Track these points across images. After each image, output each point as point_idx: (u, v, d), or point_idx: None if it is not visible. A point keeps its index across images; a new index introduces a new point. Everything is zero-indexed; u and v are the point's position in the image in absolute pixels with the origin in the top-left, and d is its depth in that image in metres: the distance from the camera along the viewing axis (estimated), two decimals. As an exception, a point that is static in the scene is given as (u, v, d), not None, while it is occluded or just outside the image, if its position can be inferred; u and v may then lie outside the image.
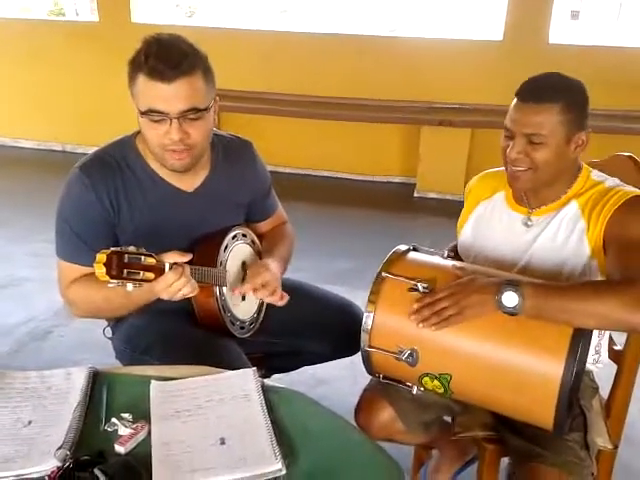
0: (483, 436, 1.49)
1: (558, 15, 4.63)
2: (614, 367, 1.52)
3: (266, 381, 1.28)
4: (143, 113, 1.38)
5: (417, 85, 4.71)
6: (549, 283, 1.27)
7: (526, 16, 4.44)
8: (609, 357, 1.53)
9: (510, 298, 1.19)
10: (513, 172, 1.42)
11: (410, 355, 1.29)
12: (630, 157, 1.56)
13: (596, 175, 1.46)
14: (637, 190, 1.38)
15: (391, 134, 4.90)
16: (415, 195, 4.74)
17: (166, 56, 1.34)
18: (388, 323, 1.33)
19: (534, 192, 1.47)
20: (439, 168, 4.57)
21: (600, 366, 1.51)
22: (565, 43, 4.71)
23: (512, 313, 1.20)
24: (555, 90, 1.36)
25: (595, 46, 4.74)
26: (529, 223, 1.48)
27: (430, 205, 4.56)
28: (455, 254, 1.60)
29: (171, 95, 1.34)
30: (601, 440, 1.45)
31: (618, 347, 1.53)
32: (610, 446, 1.47)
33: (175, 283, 1.27)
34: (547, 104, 1.34)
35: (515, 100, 1.39)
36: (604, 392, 1.55)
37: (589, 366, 1.48)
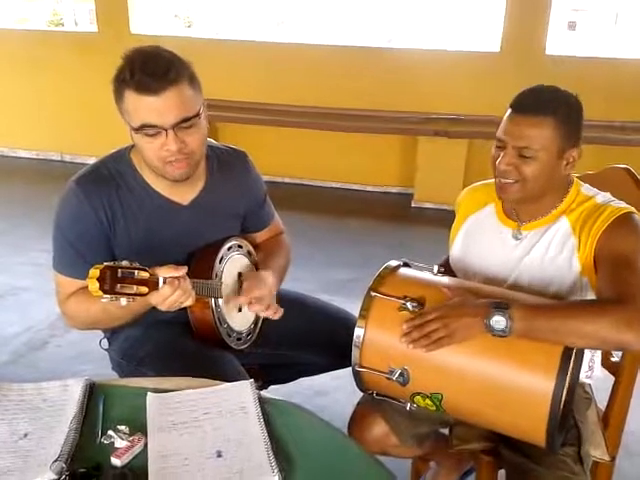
0: (480, 448, 1.49)
1: (555, 26, 4.66)
2: (611, 379, 1.53)
3: (263, 393, 1.28)
4: (137, 129, 1.37)
5: (414, 96, 4.73)
6: (538, 304, 1.27)
7: (523, 27, 4.46)
8: (606, 369, 1.53)
9: (499, 321, 1.19)
10: (501, 183, 1.40)
11: (401, 375, 1.30)
12: (626, 169, 1.57)
13: (586, 189, 1.44)
14: (627, 206, 1.37)
15: (388, 145, 4.92)
16: (412, 205, 4.75)
17: (152, 68, 1.33)
18: (378, 342, 1.33)
19: (523, 206, 1.45)
20: (436, 178, 4.58)
21: (594, 379, 1.51)
22: (562, 54, 4.74)
23: (501, 336, 1.20)
24: (551, 103, 1.34)
25: (592, 57, 4.77)
26: (519, 236, 1.47)
27: (427, 215, 4.56)
28: (446, 269, 1.58)
29: (162, 107, 1.34)
30: (599, 452, 1.45)
31: (615, 359, 1.54)
32: (607, 458, 1.47)
33: (170, 297, 1.27)
34: (541, 117, 1.32)
35: (509, 111, 1.37)
36: (602, 404, 1.55)
37: (583, 379, 1.47)
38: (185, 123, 1.37)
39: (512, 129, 1.35)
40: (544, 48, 4.47)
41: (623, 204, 1.38)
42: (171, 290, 1.26)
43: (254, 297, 1.52)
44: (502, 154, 1.37)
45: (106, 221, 1.48)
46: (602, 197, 1.42)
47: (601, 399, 1.56)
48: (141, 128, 1.36)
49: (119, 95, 1.37)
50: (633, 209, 1.37)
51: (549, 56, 4.49)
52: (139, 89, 1.33)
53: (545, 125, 1.32)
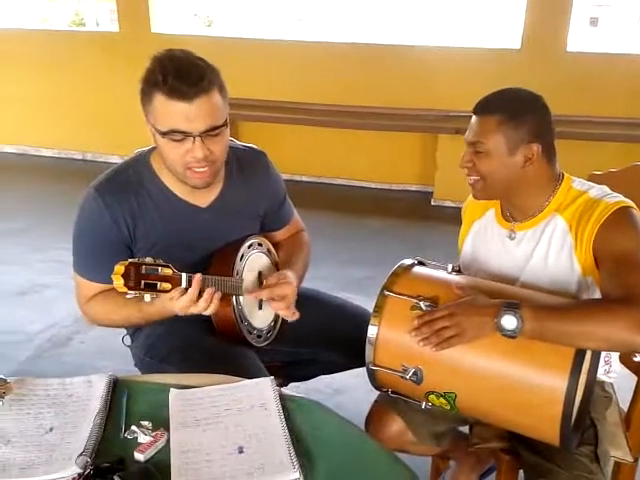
0: (500, 447, 1.48)
1: (576, 22, 4.60)
2: (634, 379, 1.51)
3: (283, 390, 1.29)
4: (164, 134, 1.37)
5: (434, 94, 4.71)
6: (549, 305, 1.27)
7: (544, 24, 4.42)
8: (628, 368, 1.52)
9: (509, 321, 1.19)
10: (468, 181, 1.47)
11: (415, 374, 1.30)
12: (650, 167, 1.55)
13: (579, 185, 1.43)
14: (623, 199, 1.35)
15: (408, 143, 4.91)
16: (432, 204, 4.74)
17: (185, 75, 1.32)
18: (392, 341, 1.33)
19: (510, 205, 1.49)
20: (456, 177, 4.46)
21: (613, 376, 1.49)
22: (584, 51, 4.69)
23: (511, 336, 1.20)
24: (498, 103, 1.40)
25: (614, 54, 4.71)
26: (513, 236, 1.48)
27: (447, 214, 4.54)
28: (460, 268, 1.59)
29: (193, 114, 1.34)
30: (620, 453, 1.43)
31: (638, 358, 1.52)
32: (630, 459, 1.45)
33: (198, 304, 1.31)
34: (488, 115, 1.39)
35: None
36: (624, 405, 1.54)
37: (601, 377, 1.46)
38: (213, 131, 1.38)
39: (469, 128, 1.44)
40: (565, 45, 4.43)
41: (618, 197, 1.36)
42: (189, 299, 1.29)
43: (277, 295, 1.52)
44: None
45: (126, 229, 1.50)
46: (596, 191, 1.40)
47: (622, 399, 1.54)
48: (169, 133, 1.36)
49: (147, 97, 1.37)
50: (629, 202, 1.35)
51: (570, 53, 4.45)
52: (171, 94, 1.32)
53: (490, 122, 1.38)
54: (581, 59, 4.47)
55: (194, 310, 1.33)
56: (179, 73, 1.33)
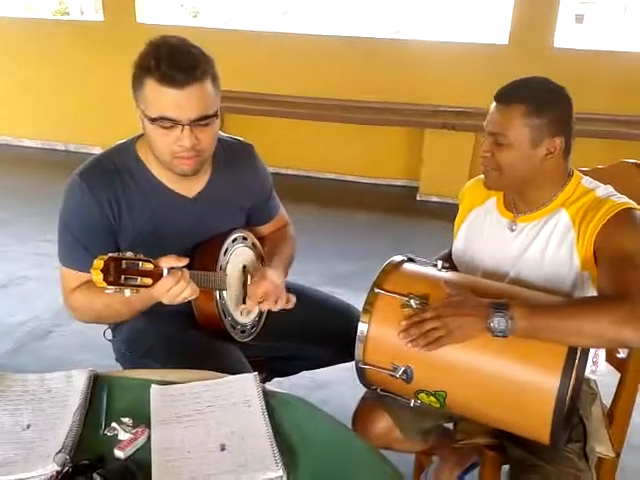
0: (485, 443, 1.48)
1: (563, 19, 4.62)
2: (616, 374, 1.52)
3: (267, 386, 1.28)
4: (153, 120, 1.35)
5: (421, 88, 4.71)
6: (539, 303, 1.26)
7: (532, 20, 4.43)
8: (612, 365, 1.53)
9: (499, 322, 1.18)
10: (483, 170, 1.44)
11: (405, 372, 1.29)
12: (636, 164, 1.55)
13: (587, 182, 1.43)
14: (627, 201, 1.36)
15: (394, 137, 4.90)
16: (418, 198, 4.74)
17: (179, 62, 1.31)
18: (382, 339, 1.32)
19: (519, 196, 1.46)
20: (442, 172, 4.56)
21: (599, 374, 1.50)
22: (570, 47, 4.70)
23: (502, 336, 1.19)
24: (525, 92, 1.36)
25: (600, 50, 4.73)
26: (513, 227, 1.47)
27: (433, 209, 4.55)
28: (450, 264, 1.58)
29: (183, 102, 1.32)
30: (603, 448, 1.44)
31: (621, 355, 1.53)
32: (612, 454, 1.46)
33: (174, 288, 1.27)
34: (513, 105, 1.35)
35: (493, 102, 1.41)
36: (607, 399, 1.55)
37: (588, 375, 1.47)
38: (203, 121, 1.36)
39: (491, 117, 1.40)
40: (552, 41, 4.44)
41: (624, 198, 1.37)
42: (173, 281, 1.25)
43: (260, 296, 1.52)
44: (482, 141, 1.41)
45: (111, 215, 1.47)
46: (603, 190, 1.40)
47: (605, 393, 1.55)
48: (158, 120, 1.35)
49: (139, 82, 1.35)
50: (634, 204, 1.35)
51: (557, 49, 4.46)
52: (163, 80, 1.31)
53: (516, 113, 1.35)
54: (568, 55, 4.48)
55: (179, 297, 1.30)
56: (172, 60, 1.31)
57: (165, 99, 1.32)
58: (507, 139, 1.35)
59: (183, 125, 1.34)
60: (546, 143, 1.36)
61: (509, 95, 1.37)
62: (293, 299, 1.56)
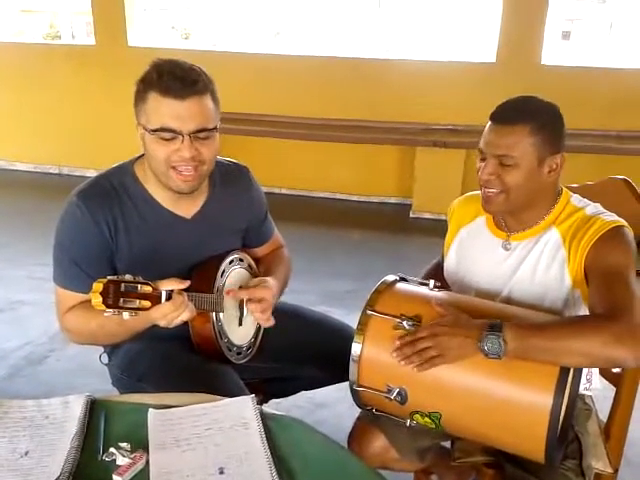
0: (483, 461, 1.48)
1: (549, 36, 4.69)
2: (613, 390, 1.52)
3: (265, 408, 1.28)
4: (154, 131, 1.37)
5: (412, 107, 4.75)
6: (532, 323, 1.26)
7: (519, 37, 4.50)
8: (607, 380, 1.53)
9: (492, 344, 1.18)
10: (485, 194, 1.42)
11: (399, 394, 1.29)
12: (625, 180, 1.57)
13: (576, 200, 1.44)
14: (617, 219, 1.36)
15: (386, 155, 4.94)
16: (411, 216, 4.76)
17: (180, 74, 1.36)
18: (376, 361, 1.32)
19: (511, 216, 1.46)
20: (434, 189, 4.59)
21: (593, 390, 1.50)
22: (558, 64, 4.77)
23: (495, 357, 1.19)
24: (526, 112, 1.36)
25: (587, 67, 4.80)
26: (508, 247, 1.47)
27: (426, 225, 4.57)
28: (437, 279, 1.57)
29: (184, 112, 1.36)
30: (601, 464, 1.44)
31: (617, 369, 1.53)
32: (610, 470, 1.46)
33: (172, 313, 1.27)
34: (518, 125, 1.34)
35: (489, 122, 1.40)
36: (603, 414, 1.55)
37: (581, 391, 1.47)
38: (202, 133, 1.39)
39: (491, 139, 1.37)
40: (540, 58, 4.51)
41: (613, 216, 1.37)
42: (173, 307, 1.26)
43: (256, 296, 1.52)
44: (484, 164, 1.39)
45: (108, 234, 1.48)
46: (593, 208, 1.41)
47: (601, 408, 1.55)
48: (159, 130, 1.37)
49: (141, 97, 1.39)
50: (623, 222, 1.36)
51: (545, 66, 4.52)
52: (164, 92, 1.35)
53: (521, 133, 1.34)
54: (556, 72, 4.54)
55: (176, 320, 1.30)
56: (174, 73, 1.36)
57: (166, 110, 1.36)
58: (514, 160, 1.34)
59: (183, 136, 1.37)
60: (549, 160, 1.37)
61: (510, 116, 1.36)
62: (272, 321, 1.55)
